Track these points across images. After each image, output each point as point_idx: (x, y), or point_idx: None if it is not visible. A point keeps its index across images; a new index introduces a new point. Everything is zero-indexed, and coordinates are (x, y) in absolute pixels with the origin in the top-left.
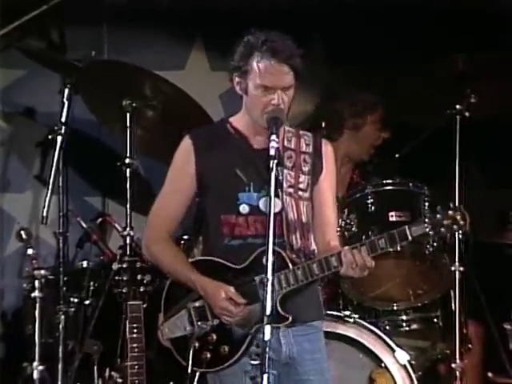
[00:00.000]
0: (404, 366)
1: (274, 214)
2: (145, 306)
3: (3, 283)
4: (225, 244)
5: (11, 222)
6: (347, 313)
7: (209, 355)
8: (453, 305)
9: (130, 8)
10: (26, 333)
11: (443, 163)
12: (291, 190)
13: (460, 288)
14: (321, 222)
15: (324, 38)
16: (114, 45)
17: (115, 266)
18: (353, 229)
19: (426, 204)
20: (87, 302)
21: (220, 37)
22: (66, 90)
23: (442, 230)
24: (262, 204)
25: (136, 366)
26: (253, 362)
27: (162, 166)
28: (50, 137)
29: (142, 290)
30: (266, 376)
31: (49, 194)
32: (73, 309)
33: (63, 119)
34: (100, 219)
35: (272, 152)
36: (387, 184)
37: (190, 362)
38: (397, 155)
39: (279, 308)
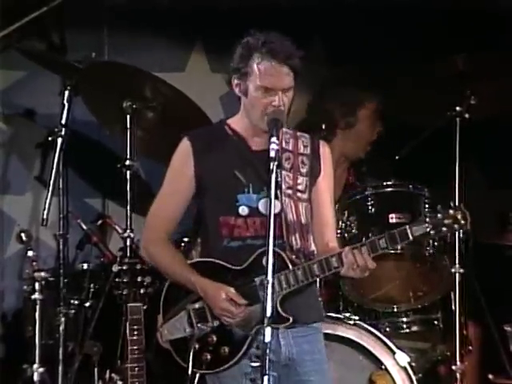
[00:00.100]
0: (404, 368)
1: (274, 215)
2: (145, 307)
3: (3, 285)
4: (224, 245)
5: (11, 223)
6: (347, 314)
7: (209, 356)
8: (453, 306)
9: (131, 9)
10: (26, 334)
11: (443, 164)
12: (290, 191)
13: (460, 289)
14: (319, 223)
15: (324, 38)
16: (114, 46)
17: (115, 268)
18: (353, 231)
19: (426, 205)
20: (87, 304)
21: (220, 39)
22: (67, 92)
23: (443, 229)
24: (261, 205)
25: (136, 368)
26: (253, 364)
27: (162, 167)
28: (50, 138)
29: (142, 291)
30: (266, 378)
31: (49, 196)
32: (73, 311)
33: (63, 121)
34: (100, 221)
35: (272, 154)
36: (387, 186)
37: (191, 364)
38: (397, 157)
39: (279, 309)
